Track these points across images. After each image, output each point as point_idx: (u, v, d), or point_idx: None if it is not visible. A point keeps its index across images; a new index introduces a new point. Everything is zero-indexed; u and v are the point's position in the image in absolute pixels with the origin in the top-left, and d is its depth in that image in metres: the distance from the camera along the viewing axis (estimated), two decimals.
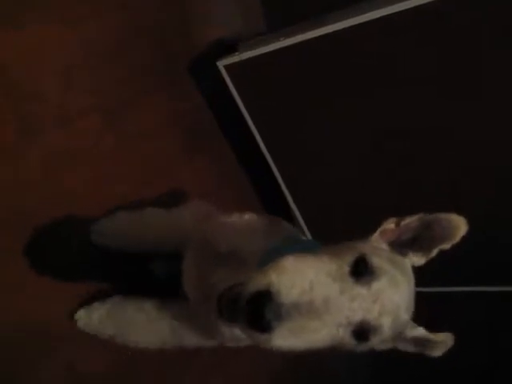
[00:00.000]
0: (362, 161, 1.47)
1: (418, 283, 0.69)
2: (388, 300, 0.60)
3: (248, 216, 0.93)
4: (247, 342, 0.86)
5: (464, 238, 0.64)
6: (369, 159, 1.46)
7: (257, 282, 0.57)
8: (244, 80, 1.45)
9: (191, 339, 1.02)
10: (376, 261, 0.62)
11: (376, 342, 0.62)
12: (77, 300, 1.15)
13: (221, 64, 1.44)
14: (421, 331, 0.70)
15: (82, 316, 1.11)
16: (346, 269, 0.61)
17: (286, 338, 0.56)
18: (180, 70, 1.55)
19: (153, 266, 1.34)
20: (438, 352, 0.69)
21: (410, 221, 0.67)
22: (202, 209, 1.13)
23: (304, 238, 0.96)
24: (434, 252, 0.66)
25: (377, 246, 0.68)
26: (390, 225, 0.69)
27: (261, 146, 1.59)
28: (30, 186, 1.11)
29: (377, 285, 0.60)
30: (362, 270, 0.61)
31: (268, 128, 1.54)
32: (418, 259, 0.68)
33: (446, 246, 0.65)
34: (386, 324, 0.60)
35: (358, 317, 0.59)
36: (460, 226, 0.63)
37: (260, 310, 0.54)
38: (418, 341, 0.70)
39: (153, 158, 1.41)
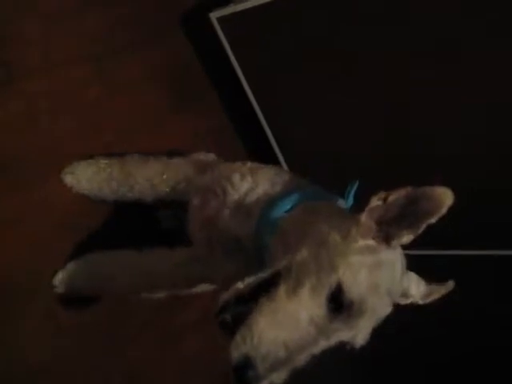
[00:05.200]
0: (353, 114, 1.47)
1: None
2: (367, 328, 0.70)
3: (250, 163, 0.96)
4: None
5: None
6: (360, 112, 1.45)
7: (236, 350, 0.62)
8: (237, 33, 1.43)
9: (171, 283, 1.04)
10: (353, 292, 0.66)
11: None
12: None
13: (214, 16, 1.42)
14: (422, 287, 0.82)
15: (60, 280, 1.08)
16: (323, 306, 0.66)
17: (269, 382, 0.62)
18: (171, 21, 1.52)
19: (159, 215, 1.35)
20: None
21: (397, 196, 0.68)
22: (203, 157, 1.14)
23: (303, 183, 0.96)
24: (422, 227, 0.66)
25: (360, 249, 0.69)
26: (377, 202, 0.70)
27: (251, 100, 1.58)
28: (13, 133, 1.10)
29: (354, 320, 0.67)
30: (339, 304, 0.66)
31: (260, 83, 1.53)
32: (407, 237, 0.69)
33: (434, 219, 0.65)
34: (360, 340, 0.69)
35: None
36: (446, 198, 0.63)
37: (245, 376, 0.61)
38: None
39: (139, 110, 1.40)
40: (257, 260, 0.82)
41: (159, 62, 1.46)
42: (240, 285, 0.67)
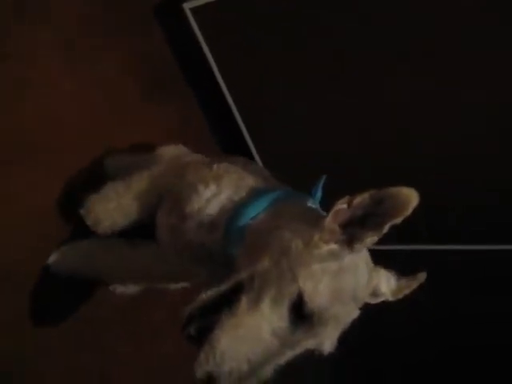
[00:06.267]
0: (327, 106, 1.49)
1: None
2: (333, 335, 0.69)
3: (217, 165, 0.93)
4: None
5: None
6: (336, 105, 1.47)
7: (200, 371, 0.62)
8: (211, 23, 1.43)
9: (158, 280, 1.07)
10: (314, 301, 0.66)
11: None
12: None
13: (187, 6, 1.41)
14: (392, 282, 0.82)
15: (54, 260, 1.11)
16: (285, 318, 0.66)
17: None
18: (145, 11, 1.49)
19: None
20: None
21: (361, 199, 0.67)
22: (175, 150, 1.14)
23: (271, 183, 0.95)
24: (386, 228, 0.65)
25: (322, 255, 0.69)
26: (341, 205, 0.69)
27: (225, 92, 1.59)
28: None
29: (318, 329, 0.66)
30: (301, 314, 0.66)
31: (234, 74, 1.54)
32: (371, 238, 0.68)
33: (398, 219, 0.64)
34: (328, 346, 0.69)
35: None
36: (411, 198, 0.63)
37: None
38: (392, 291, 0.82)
39: (111, 100, 1.38)
40: (227, 268, 0.80)
41: (133, 53, 1.44)
42: (203, 296, 0.67)
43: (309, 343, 0.68)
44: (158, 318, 1.45)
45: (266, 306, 0.65)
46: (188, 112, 1.69)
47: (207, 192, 0.87)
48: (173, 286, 1.20)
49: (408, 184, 0.65)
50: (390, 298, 0.83)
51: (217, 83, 1.58)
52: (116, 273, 1.09)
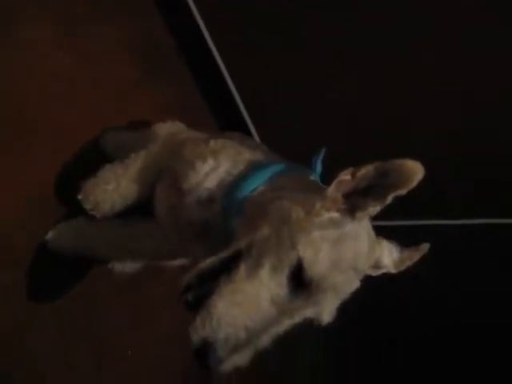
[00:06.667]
0: (323, 77, 1.46)
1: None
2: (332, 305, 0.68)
3: (213, 141, 0.91)
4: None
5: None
6: (332, 75, 1.45)
7: (195, 335, 0.61)
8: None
9: (156, 257, 1.06)
10: (314, 269, 0.65)
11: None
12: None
13: None
14: (395, 254, 0.79)
15: (52, 237, 1.10)
16: (284, 285, 0.65)
17: (232, 364, 0.62)
18: None
19: None
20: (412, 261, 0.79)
21: (366, 171, 0.66)
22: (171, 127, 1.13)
23: (270, 157, 0.94)
24: (389, 199, 0.65)
25: (323, 223, 0.68)
26: (345, 176, 0.68)
27: (221, 67, 1.57)
28: None
29: (317, 297, 0.66)
30: (300, 282, 0.65)
31: (230, 49, 1.52)
32: (373, 208, 0.67)
33: (403, 191, 0.63)
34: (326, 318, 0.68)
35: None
36: (416, 171, 0.62)
37: (206, 359, 0.61)
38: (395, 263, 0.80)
39: (108, 79, 1.36)
40: (226, 243, 0.79)
41: (132, 31, 1.42)
42: (202, 265, 0.66)
43: (307, 312, 0.67)
44: (156, 294, 1.45)
45: (264, 272, 0.64)
46: (185, 90, 1.66)
47: (205, 166, 0.86)
48: (170, 264, 1.20)
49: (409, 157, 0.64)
50: (393, 270, 0.81)
51: (215, 61, 1.56)
52: (113, 250, 1.09)
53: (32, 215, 1.12)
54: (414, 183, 0.62)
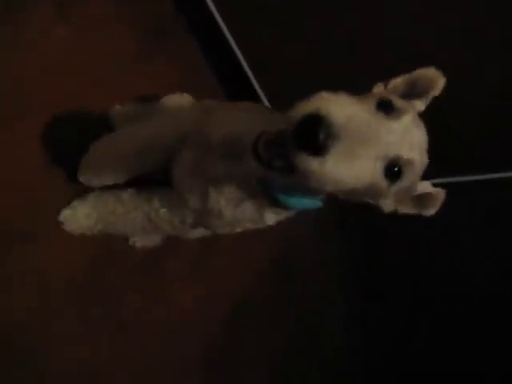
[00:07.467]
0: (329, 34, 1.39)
1: None
2: (415, 137, 0.66)
3: (243, 104, 0.93)
4: (243, 225, 0.89)
5: None
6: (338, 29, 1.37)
7: (303, 109, 0.58)
8: None
9: (168, 228, 1.03)
10: (398, 101, 0.66)
11: (406, 182, 0.67)
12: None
13: None
14: (426, 185, 0.74)
15: (67, 216, 1.08)
16: (375, 108, 0.64)
17: (337, 163, 0.58)
18: None
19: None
20: (432, 210, 0.74)
21: (396, 83, 0.72)
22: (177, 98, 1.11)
23: None
24: (427, 101, 0.72)
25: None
26: (379, 88, 0.72)
27: (226, 35, 1.52)
28: None
29: (405, 120, 0.65)
30: (387, 109, 0.65)
31: (235, 15, 1.47)
32: (421, 104, 0.72)
33: (432, 94, 0.71)
34: (416, 159, 0.65)
35: (393, 151, 0.63)
36: (439, 76, 0.70)
37: (313, 130, 0.56)
38: (418, 199, 0.74)
39: (112, 51, 1.32)
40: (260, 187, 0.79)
41: (129, 4, 1.38)
42: (268, 134, 0.65)
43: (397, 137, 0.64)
44: (173, 268, 1.43)
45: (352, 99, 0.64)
46: (191, 61, 1.61)
47: (240, 113, 0.88)
48: (191, 234, 1.20)
49: None
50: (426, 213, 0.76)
51: (220, 30, 1.51)
52: (131, 223, 1.05)
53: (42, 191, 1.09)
54: (440, 88, 0.71)
